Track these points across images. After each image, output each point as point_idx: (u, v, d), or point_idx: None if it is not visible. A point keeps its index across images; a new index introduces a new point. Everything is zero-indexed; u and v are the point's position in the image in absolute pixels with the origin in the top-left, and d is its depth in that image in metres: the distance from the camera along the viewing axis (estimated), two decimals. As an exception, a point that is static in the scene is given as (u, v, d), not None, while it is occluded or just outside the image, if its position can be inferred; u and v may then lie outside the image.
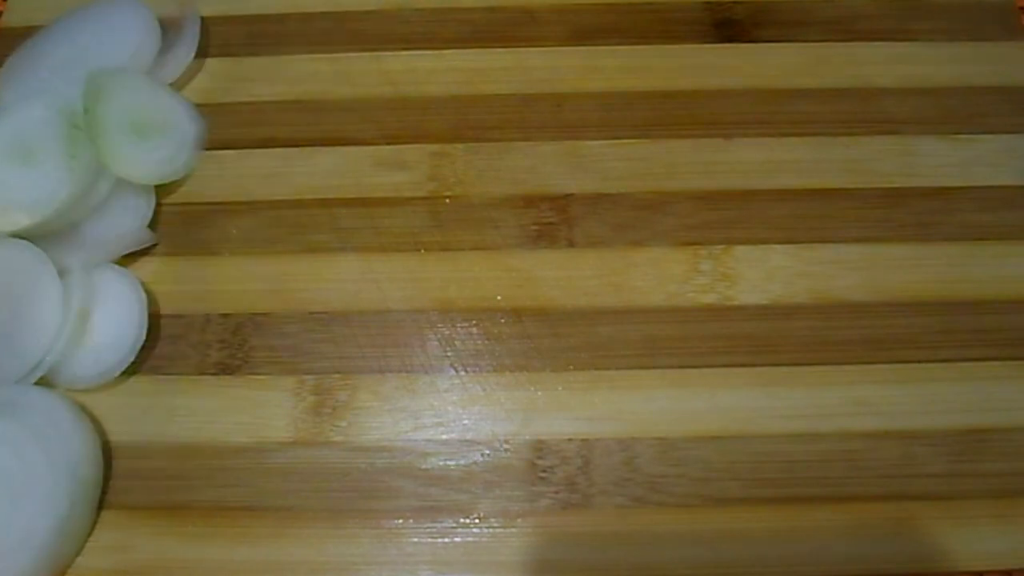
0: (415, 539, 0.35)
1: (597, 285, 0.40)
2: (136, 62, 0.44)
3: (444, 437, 0.37)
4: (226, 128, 0.44)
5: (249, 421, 0.37)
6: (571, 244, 0.40)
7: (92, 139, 0.40)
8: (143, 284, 0.39)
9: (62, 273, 0.38)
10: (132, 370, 0.38)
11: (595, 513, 0.35)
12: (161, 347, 0.39)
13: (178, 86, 0.45)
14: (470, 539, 0.35)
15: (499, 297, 0.39)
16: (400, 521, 0.35)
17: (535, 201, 0.41)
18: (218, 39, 0.47)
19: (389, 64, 0.46)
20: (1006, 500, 0.35)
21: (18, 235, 0.38)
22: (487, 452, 0.36)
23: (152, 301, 0.40)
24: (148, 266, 0.41)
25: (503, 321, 0.39)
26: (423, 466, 0.36)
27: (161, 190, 0.42)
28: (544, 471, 0.36)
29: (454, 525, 0.35)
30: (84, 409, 0.37)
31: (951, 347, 0.38)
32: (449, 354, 0.39)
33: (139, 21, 0.45)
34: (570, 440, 0.37)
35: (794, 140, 0.43)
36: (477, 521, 0.35)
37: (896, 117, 0.43)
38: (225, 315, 0.40)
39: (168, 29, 0.46)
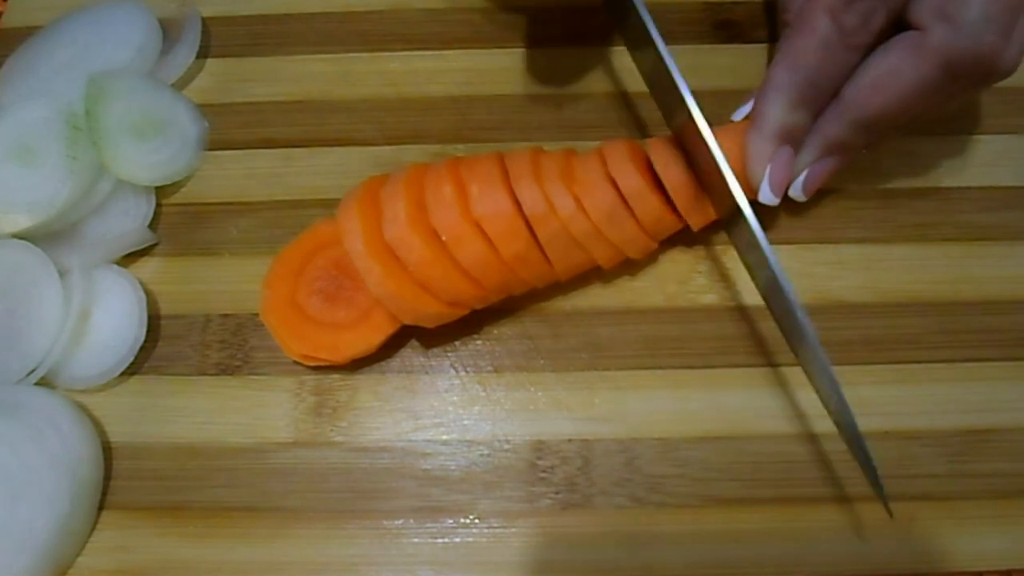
0: (415, 539, 0.35)
1: (597, 285, 0.40)
2: (137, 63, 0.44)
3: (444, 437, 0.37)
4: (227, 129, 0.44)
5: (249, 422, 0.37)
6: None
7: (93, 140, 0.40)
8: (143, 284, 0.39)
9: (62, 273, 0.38)
10: (132, 370, 0.38)
11: (595, 513, 0.35)
12: (161, 347, 0.39)
13: (179, 87, 0.45)
14: (470, 539, 0.35)
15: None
16: (400, 521, 0.35)
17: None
18: (219, 40, 0.47)
19: (389, 64, 0.46)
20: (1006, 500, 0.35)
21: (19, 235, 0.39)
22: (487, 452, 0.36)
23: (152, 301, 0.40)
24: (148, 266, 0.41)
25: (503, 321, 0.39)
26: (423, 466, 0.36)
27: (162, 190, 0.43)
28: (544, 471, 0.36)
29: (454, 525, 0.35)
30: (84, 409, 0.37)
31: (951, 347, 0.38)
32: (449, 354, 0.39)
33: (140, 22, 0.45)
34: (570, 440, 0.37)
35: (794, 140, 0.43)
36: (477, 521, 0.35)
37: (896, 117, 0.43)
38: (225, 315, 0.40)
39: (169, 30, 0.46)
